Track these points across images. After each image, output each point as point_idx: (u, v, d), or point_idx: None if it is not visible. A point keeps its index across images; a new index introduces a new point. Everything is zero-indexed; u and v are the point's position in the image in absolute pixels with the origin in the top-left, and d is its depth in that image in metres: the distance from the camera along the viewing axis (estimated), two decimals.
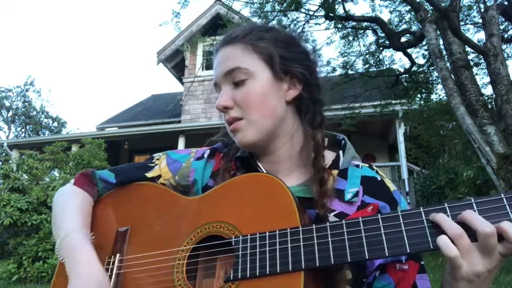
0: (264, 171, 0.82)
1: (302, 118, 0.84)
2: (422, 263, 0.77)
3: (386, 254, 0.61)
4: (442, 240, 0.59)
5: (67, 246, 0.79)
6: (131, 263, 0.81)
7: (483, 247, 0.58)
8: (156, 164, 0.94)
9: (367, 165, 0.85)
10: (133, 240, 0.84)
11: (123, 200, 0.91)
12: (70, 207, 0.87)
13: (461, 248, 0.58)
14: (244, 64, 0.80)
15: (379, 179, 0.82)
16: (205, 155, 0.93)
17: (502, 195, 0.60)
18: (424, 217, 0.62)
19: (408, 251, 0.60)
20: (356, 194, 0.78)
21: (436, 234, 0.60)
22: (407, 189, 7.40)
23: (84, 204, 0.89)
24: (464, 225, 0.59)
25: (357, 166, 0.83)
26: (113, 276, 0.80)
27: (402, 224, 0.62)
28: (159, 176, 0.92)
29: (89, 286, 0.72)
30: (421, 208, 0.62)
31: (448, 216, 0.61)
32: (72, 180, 0.93)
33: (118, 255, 0.82)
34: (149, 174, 0.92)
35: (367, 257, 0.61)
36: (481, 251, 0.58)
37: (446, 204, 0.62)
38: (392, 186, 0.82)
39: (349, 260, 0.62)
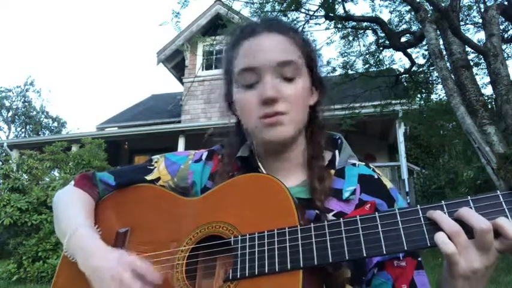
0: (264, 172, 0.82)
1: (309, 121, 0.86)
2: (419, 259, 0.77)
3: (384, 252, 0.61)
4: (440, 237, 0.59)
5: (76, 241, 0.78)
6: None
7: (480, 243, 0.58)
8: (155, 167, 0.94)
9: (364, 163, 0.85)
10: (133, 241, 0.84)
11: (123, 202, 0.91)
12: (73, 205, 0.87)
13: (459, 245, 0.58)
14: (297, 60, 0.80)
15: (375, 177, 0.83)
16: (203, 157, 0.93)
17: (498, 192, 0.60)
18: (421, 215, 0.62)
19: (406, 248, 0.61)
20: (353, 192, 0.79)
21: (433, 232, 0.60)
22: (407, 189, 7.41)
23: (86, 203, 0.89)
24: (461, 222, 0.59)
25: (354, 165, 0.84)
26: None
27: (399, 221, 0.62)
28: (158, 179, 0.92)
29: (115, 273, 0.69)
30: (418, 206, 0.63)
31: (445, 213, 0.61)
32: (73, 182, 0.93)
33: None
34: (149, 177, 0.92)
35: (365, 255, 0.62)
36: (478, 247, 0.58)
37: (443, 202, 0.62)
38: (389, 184, 0.83)
39: (347, 258, 0.62)
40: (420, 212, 0.62)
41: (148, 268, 0.70)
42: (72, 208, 0.86)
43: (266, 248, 0.67)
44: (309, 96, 0.83)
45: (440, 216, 0.61)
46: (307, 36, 0.87)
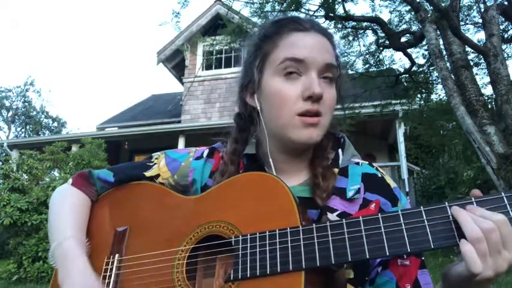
0: (274, 171, 0.81)
1: None
2: (423, 258, 0.77)
3: (387, 254, 0.61)
4: (468, 251, 0.56)
5: (61, 254, 0.79)
6: (130, 263, 0.80)
7: (493, 248, 0.57)
8: (155, 163, 0.93)
9: (367, 162, 0.85)
10: (133, 240, 0.83)
11: (122, 200, 0.91)
12: (66, 210, 0.87)
13: (479, 253, 0.56)
14: (337, 67, 0.80)
15: (379, 175, 0.83)
16: (205, 155, 0.93)
17: (502, 193, 0.59)
18: (424, 216, 0.61)
19: (409, 250, 0.60)
20: (357, 191, 0.78)
21: (437, 234, 0.59)
22: (407, 189, 7.40)
23: (81, 207, 0.89)
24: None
25: (357, 164, 0.84)
26: (112, 276, 0.80)
27: (403, 223, 0.62)
28: (158, 175, 0.92)
29: None
30: (422, 207, 0.62)
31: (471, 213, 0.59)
32: (70, 181, 0.93)
33: (117, 255, 0.82)
34: (148, 174, 0.92)
35: (367, 257, 0.61)
36: (492, 253, 0.57)
37: (446, 203, 0.62)
38: (392, 183, 0.83)
39: (349, 259, 0.62)
40: (423, 213, 0.62)
41: None
42: (63, 214, 0.86)
43: (267, 248, 0.66)
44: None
45: (465, 218, 0.58)
46: (340, 47, 0.87)
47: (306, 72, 0.76)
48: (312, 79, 0.75)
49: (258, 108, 0.82)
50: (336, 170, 0.81)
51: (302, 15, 5.70)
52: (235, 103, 0.90)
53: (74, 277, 0.75)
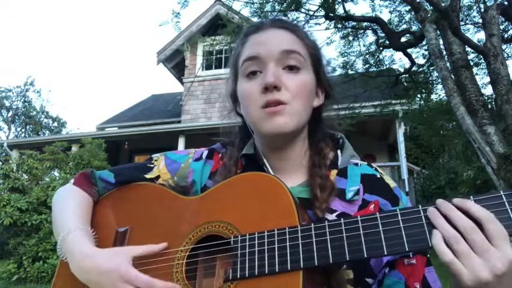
0: (270, 170, 0.82)
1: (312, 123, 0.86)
2: (428, 256, 0.77)
3: (385, 253, 0.61)
4: (436, 244, 0.57)
5: (69, 244, 0.78)
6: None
7: (479, 247, 0.55)
8: (155, 165, 0.94)
9: (366, 163, 0.85)
10: (133, 241, 0.83)
11: (123, 200, 0.91)
12: (70, 205, 0.87)
13: (458, 253, 0.55)
14: (301, 52, 0.80)
15: (378, 176, 0.83)
16: (204, 156, 0.93)
17: (501, 192, 0.59)
18: (422, 214, 0.61)
19: (407, 249, 0.60)
20: (357, 192, 0.78)
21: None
22: (407, 189, 7.40)
23: (84, 203, 0.89)
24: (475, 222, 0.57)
25: (356, 164, 0.84)
26: None
27: (400, 222, 0.62)
28: (158, 177, 0.92)
29: (106, 275, 0.71)
30: (420, 206, 0.62)
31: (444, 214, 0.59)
32: (72, 180, 0.93)
33: None
34: (148, 176, 0.92)
35: (365, 256, 0.61)
36: (478, 252, 0.55)
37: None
38: (392, 183, 0.82)
39: (347, 258, 0.62)
40: (421, 212, 0.61)
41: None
42: (68, 209, 0.86)
43: (266, 248, 0.67)
44: (313, 95, 0.83)
45: (437, 219, 0.58)
46: (313, 38, 0.87)
47: (264, 67, 0.78)
48: (266, 71, 0.77)
49: (242, 113, 0.86)
50: (335, 171, 0.81)
51: (302, 16, 5.71)
52: (230, 116, 0.93)
53: (86, 268, 0.74)
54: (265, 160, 0.83)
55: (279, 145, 0.82)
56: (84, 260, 0.74)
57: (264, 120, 0.77)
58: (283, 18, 0.86)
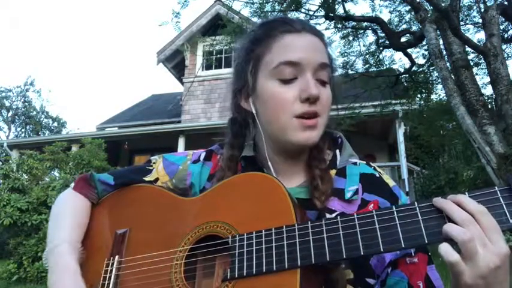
0: (273, 173, 0.81)
1: None
2: (429, 254, 0.77)
3: (381, 250, 0.61)
4: (443, 246, 0.56)
5: (54, 259, 0.80)
6: (130, 265, 0.81)
7: (479, 239, 0.55)
8: (154, 168, 0.94)
9: (365, 162, 0.85)
10: (132, 242, 0.84)
11: (122, 202, 0.91)
12: (65, 213, 0.88)
13: (468, 245, 0.54)
14: (329, 65, 0.80)
15: (377, 175, 0.82)
16: (201, 158, 0.93)
17: (496, 188, 0.59)
18: (418, 211, 0.61)
19: (403, 246, 0.60)
20: (356, 192, 0.78)
21: (431, 228, 0.59)
22: (407, 189, 7.41)
23: (80, 210, 0.90)
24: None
25: (355, 164, 0.84)
26: (112, 277, 0.80)
27: (396, 219, 0.62)
28: (157, 179, 0.92)
29: None
30: (416, 203, 0.62)
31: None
32: (72, 185, 0.94)
33: (117, 257, 0.83)
34: (147, 178, 0.92)
35: (362, 253, 0.61)
36: (480, 245, 0.55)
37: (440, 198, 0.61)
38: (391, 182, 0.82)
39: (344, 256, 0.62)
40: (417, 209, 0.61)
41: None
42: (61, 219, 0.87)
43: (264, 247, 0.67)
44: None
45: (448, 204, 0.58)
46: (331, 45, 0.87)
47: (301, 73, 0.75)
48: (307, 80, 0.74)
49: (254, 112, 0.82)
50: (334, 171, 0.81)
51: (302, 16, 5.71)
52: (229, 108, 0.90)
53: (63, 281, 0.76)
54: (270, 163, 0.82)
55: (294, 153, 0.82)
56: (63, 273, 0.78)
57: (296, 130, 0.75)
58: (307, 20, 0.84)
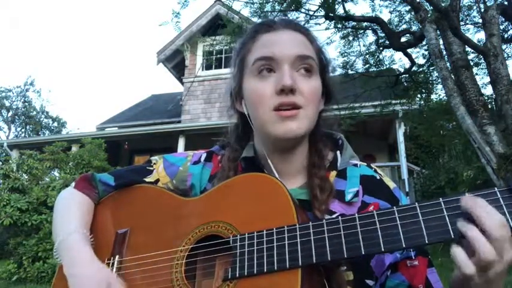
0: (276, 173, 0.81)
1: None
2: (429, 257, 0.77)
3: (382, 250, 0.61)
4: (459, 254, 0.56)
5: (66, 248, 0.79)
6: (130, 264, 0.81)
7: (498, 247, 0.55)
8: (154, 169, 0.94)
9: (365, 164, 0.85)
10: (133, 242, 0.84)
11: (123, 202, 0.91)
12: (69, 209, 0.87)
13: (498, 246, 0.55)
14: (314, 57, 0.80)
15: (377, 177, 0.82)
16: (202, 159, 0.93)
17: (496, 189, 0.59)
18: (419, 211, 0.61)
19: (404, 246, 0.60)
20: (356, 194, 0.78)
21: (432, 229, 0.59)
22: (407, 189, 7.40)
23: (84, 207, 0.89)
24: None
25: (355, 165, 0.84)
26: None
27: (397, 219, 0.62)
28: (158, 181, 0.92)
29: (90, 285, 0.72)
30: (416, 203, 0.62)
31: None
32: (73, 184, 0.94)
33: (117, 256, 0.83)
34: (148, 179, 0.92)
35: (363, 253, 0.62)
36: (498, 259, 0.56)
37: (441, 199, 0.62)
38: (392, 184, 0.82)
39: (345, 256, 0.62)
40: (418, 209, 0.62)
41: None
42: (67, 213, 0.87)
43: (265, 246, 0.67)
44: (320, 99, 0.83)
45: (480, 207, 0.56)
46: (322, 43, 0.87)
47: (278, 68, 0.77)
48: (282, 72, 0.75)
49: (246, 113, 0.83)
50: (334, 173, 0.81)
51: (302, 16, 5.71)
52: (229, 114, 0.91)
53: (80, 269, 0.75)
54: (270, 163, 0.82)
55: (284, 149, 0.82)
56: (81, 264, 0.76)
57: (275, 123, 0.75)
58: (291, 18, 0.85)
